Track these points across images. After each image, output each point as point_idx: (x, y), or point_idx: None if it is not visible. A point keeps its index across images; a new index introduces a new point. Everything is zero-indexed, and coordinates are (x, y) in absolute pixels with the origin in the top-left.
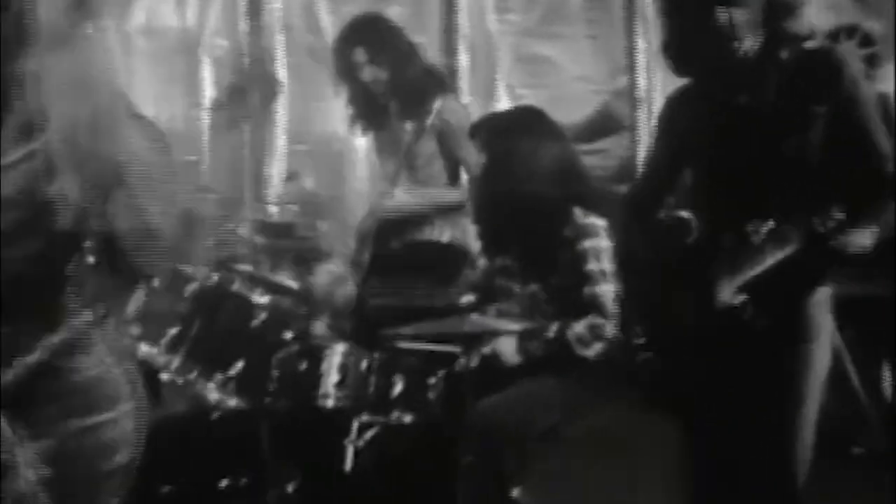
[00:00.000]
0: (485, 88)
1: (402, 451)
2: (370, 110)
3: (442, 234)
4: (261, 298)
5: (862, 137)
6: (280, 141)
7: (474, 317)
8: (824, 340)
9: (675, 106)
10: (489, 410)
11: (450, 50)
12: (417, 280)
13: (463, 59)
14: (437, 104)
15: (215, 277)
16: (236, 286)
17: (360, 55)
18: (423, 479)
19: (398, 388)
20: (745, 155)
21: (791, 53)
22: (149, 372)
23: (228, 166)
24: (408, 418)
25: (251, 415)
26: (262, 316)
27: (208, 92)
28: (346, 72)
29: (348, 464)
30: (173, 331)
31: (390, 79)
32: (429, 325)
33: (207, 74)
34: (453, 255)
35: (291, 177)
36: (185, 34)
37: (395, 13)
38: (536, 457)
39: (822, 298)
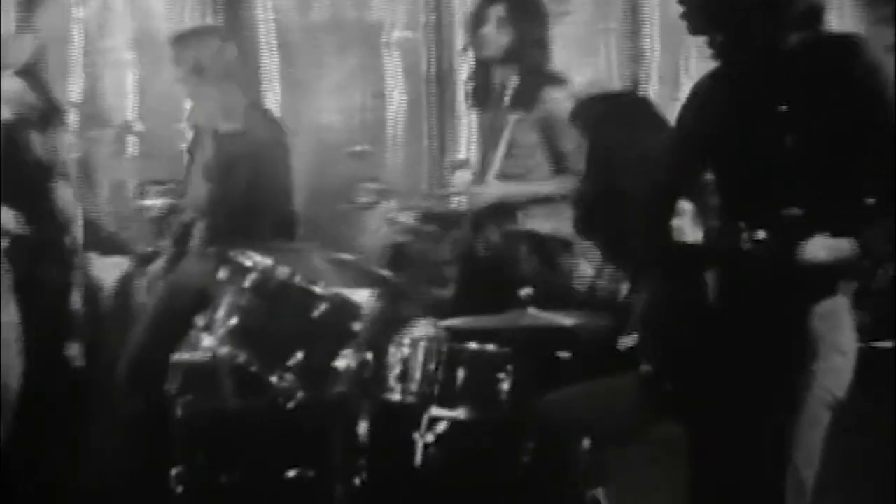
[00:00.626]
0: (671, 73)
1: (470, 446)
2: (482, 81)
3: (542, 225)
4: (322, 290)
5: (876, 130)
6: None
7: (531, 310)
8: (833, 358)
9: (702, 93)
10: (554, 407)
11: (634, 35)
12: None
13: (649, 44)
14: (547, 95)
15: (276, 269)
16: (297, 278)
17: (494, 11)
18: (491, 475)
19: (462, 381)
20: (753, 148)
21: (801, 39)
22: (215, 362)
23: (413, 156)
24: (474, 413)
25: (318, 407)
26: (324, 307)
27: (391, 83)
28: (475, 28)
29: (417, 458)
30: (234, 321)
31: (512, 45)
32: (487, 318)
33: (391, 66)
34: (553, 247)
35: (459, 166)
36: (367, 27)
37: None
38: (620, 457)
39: (828, 312)
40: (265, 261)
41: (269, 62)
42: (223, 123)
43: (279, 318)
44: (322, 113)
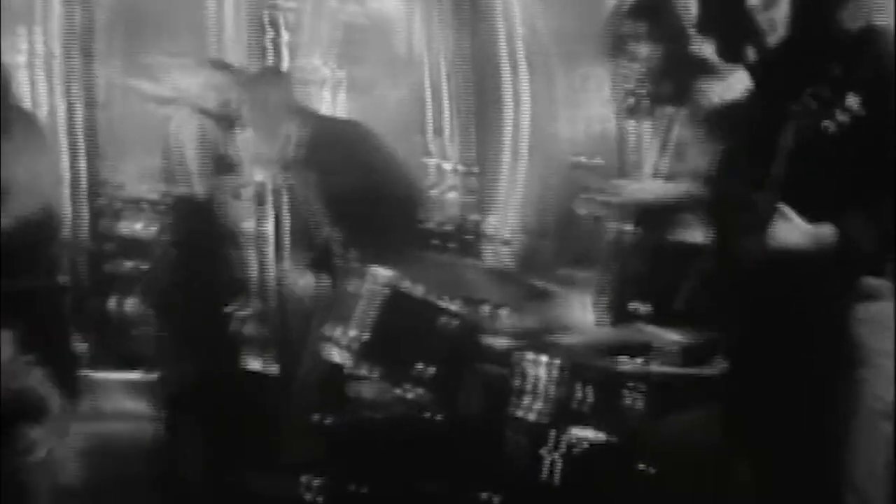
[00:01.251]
0: None
1: (596, 466)
2: (637, 93)
3: (695, 233)
4: (450, 304)
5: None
6: None
7: (643, 326)
8: (882, 364)
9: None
10: (675, 429)
11: None
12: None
13: None
14: (700, 88)
15: (402, 282)
16: (424, 292)
17: (636, 28)
18: (617, 495)
19: (586, 399)
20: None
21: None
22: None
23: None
24: (597, 431)
25: (446, 420)
26: (451, 322)
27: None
28: (618, 46)
29: (545, 475)
30: (362, 334)
31: (662, 56)
32: (601, 332)
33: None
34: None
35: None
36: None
37: None
38: None
39: (872, 317)
40: (389, 273)
41: (513, 74)
42: (295, 149)
43: (406, 331)
44: (557, 124)
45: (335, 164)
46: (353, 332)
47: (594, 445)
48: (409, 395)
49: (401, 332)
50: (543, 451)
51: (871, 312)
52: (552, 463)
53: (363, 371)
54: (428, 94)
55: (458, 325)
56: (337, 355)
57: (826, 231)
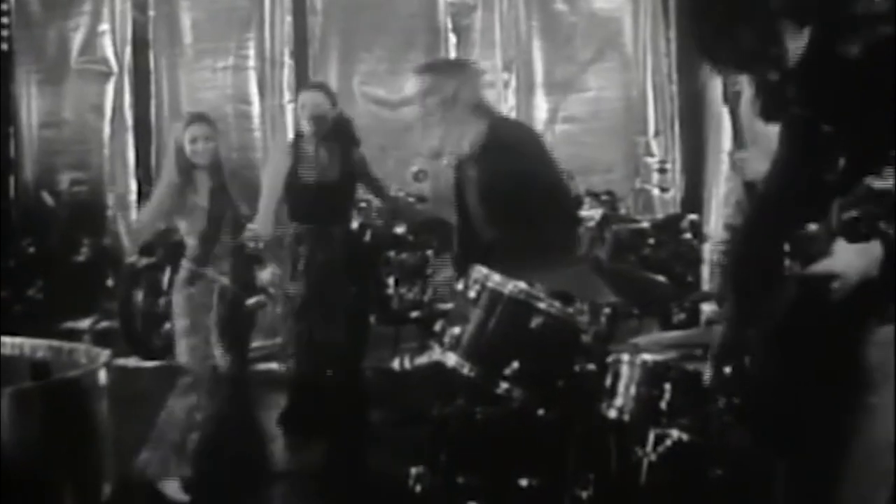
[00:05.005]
0: None
1: (688, 467)
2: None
3: None
4: (542, 304)
5: None
6: None
7: (718, 328)
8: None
9: None
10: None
11: None
12: None
13: None
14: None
15: (505, 283)
16: (520, 291)
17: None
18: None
19: (667, 398)
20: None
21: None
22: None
23: None
24: (686, 434)
25: (548, 418)
26: (545, 321)
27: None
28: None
29: (642, 476)
30: (461, 333)
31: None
32: (674, 334)
33: None
34: None
35: None
36: None
37: None
38: None
39: (887, 340)
40: (491, 274)
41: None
42: (469, 146)
43: (504, 330)
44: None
45: (502, 168)
46: (458, 332)
47: (679, 445)
48: (509, 394)
49: (499, 332)
50: (640, 452)
51: (886, 336)
52: (642, 461)
53: (465, 370)
54: (650, 94)
55: (555, 324)
56: (437, 353)
57: (875, 248)
